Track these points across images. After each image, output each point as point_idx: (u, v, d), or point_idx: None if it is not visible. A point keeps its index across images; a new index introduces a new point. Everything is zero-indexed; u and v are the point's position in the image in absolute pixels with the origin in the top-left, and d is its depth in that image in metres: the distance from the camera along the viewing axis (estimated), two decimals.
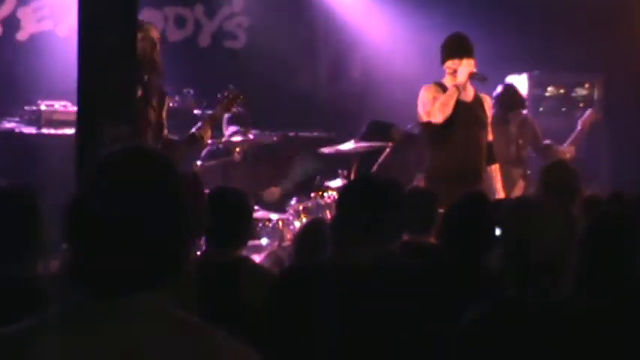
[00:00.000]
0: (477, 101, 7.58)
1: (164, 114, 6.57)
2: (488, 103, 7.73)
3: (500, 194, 7.52)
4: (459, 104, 7.38)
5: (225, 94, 7.00)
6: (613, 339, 3.46)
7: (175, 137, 6.71)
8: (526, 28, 10.40)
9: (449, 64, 7.47)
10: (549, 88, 10.23)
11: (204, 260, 4.33)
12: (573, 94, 10.29)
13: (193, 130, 6.72)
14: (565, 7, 10.32)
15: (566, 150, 8.86)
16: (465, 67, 7.40)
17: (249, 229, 4.80)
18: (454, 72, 7.42)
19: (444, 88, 7.43)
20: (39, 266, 3.82)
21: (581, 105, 10.18)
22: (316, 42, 10.91)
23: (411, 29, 10.35)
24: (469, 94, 7.53)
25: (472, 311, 3.48)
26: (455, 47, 7.49)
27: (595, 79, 10.32)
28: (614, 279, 3.58)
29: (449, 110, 7.32)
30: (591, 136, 9.99)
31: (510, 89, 8.94)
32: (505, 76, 9.72)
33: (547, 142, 9.00)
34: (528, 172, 8.84)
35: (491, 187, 7.53)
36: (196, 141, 6.73)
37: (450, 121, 7.32)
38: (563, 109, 10.03)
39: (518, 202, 3.65)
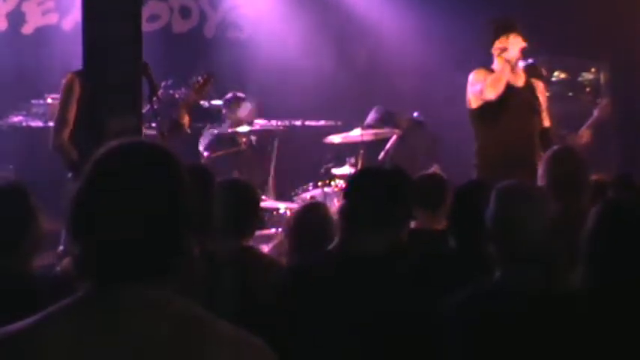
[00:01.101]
0: (529, 86, 7.41)
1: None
2: (541, 88, 7.54)
3: None
4: (510, 88, 7.22)
5: (197, 79, 6.95)
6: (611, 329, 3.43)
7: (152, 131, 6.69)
8: (531, 13, 10.36)
9: (497, 44, 7.26)
10: (555, 73, 10.20)
11: (212, 250, 4.33)
12: (580, 79, 10.26)
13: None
14: None
15: (582, 135, 8.78)
16: (515, 42, 7.24)
17: (255, 219, 4.79)
18: (504, 50, 7.22)
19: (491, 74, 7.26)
20: (32, 261, 3.82)
21: (587, 90, 10.16)
22: (321, 31, 10.88)
23: (418, 17, 10.31)
24: (520, 79, 7.37)
25: (454, 296, 3.50)
26: (501, 25, 7.32)
27: (601, 64, 10.29)
28: (624, 267, 3.58)
29: (501, 87, 7.15)
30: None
31: (530, 66, 8.78)
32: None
33: (564, 131, 8.93)
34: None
35: None
36: (178, 127, 6.71)
37: (499, 106, 7.17)
38: (570, 94, 9.99)
39: (503, 188, 3.61)
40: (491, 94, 7.17)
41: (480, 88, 7.20)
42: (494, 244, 3.52)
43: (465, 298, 3.51)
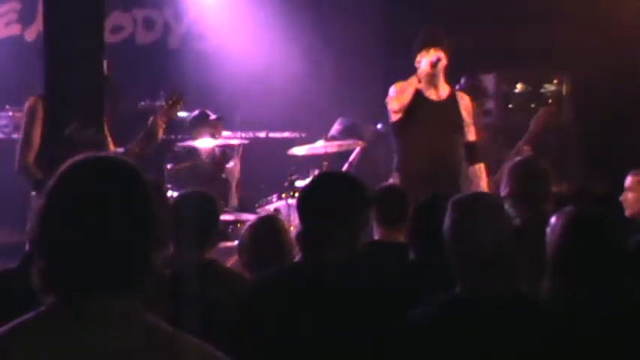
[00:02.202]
0: (451, 101, 7.37)
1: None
2: (466, 102, 7.49)
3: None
4: (426, 103, 7.22)
5: (167, 100, 6.97)
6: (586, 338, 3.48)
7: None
8: (494, 25, 10.41)
9: (418, 58, 7.27)
10: (518, 85, 10.25)
11: (172, 264, 4.31)
12: (542, 90, 10.31)
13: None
14: (533, 2, 10.35)
15: (521, 150, 8.77)
16: (427, 56, 7.22)
17: (215, 231, 4.76)
18: (421, 66, 7.23)
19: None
20: None
21: (549, 101, 10.21)
22: (287, 42, 10.88)
23: (384, 28, 10.35)
24: (441, 93, 7.35)
25: (418, 309, 3.51)
26: (421, 39, 7.30)
27: (563, 75, 10.34)
28: (584, 277, 3.62)
29: (405, 98, 7.16)
30: (559, 132, 10.03)
31: (471, 80, 8.81)
32: (473, 75, 9.73)
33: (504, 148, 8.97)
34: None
35: (477, 186, 7.32)
36: (152, 136, 6.70)
37: (413, 121, 7.17)
38: (533, 105, 10.03)
39: (458, 199, 3.62)
40: (395, 106, 7.22)
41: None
42: (452, 256, 3.52)
43: (430, 310, 3.52)
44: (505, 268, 3.46)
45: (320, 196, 3.83)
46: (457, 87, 8.39)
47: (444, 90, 7.36)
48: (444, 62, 7.24)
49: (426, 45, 7.23)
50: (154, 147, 6.85)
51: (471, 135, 7.46)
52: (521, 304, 3.48)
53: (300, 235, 3.83)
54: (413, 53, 7.30)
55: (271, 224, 5.19)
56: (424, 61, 7.20)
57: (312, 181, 4.07)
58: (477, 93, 8.60)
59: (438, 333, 3.45)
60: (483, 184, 7.38)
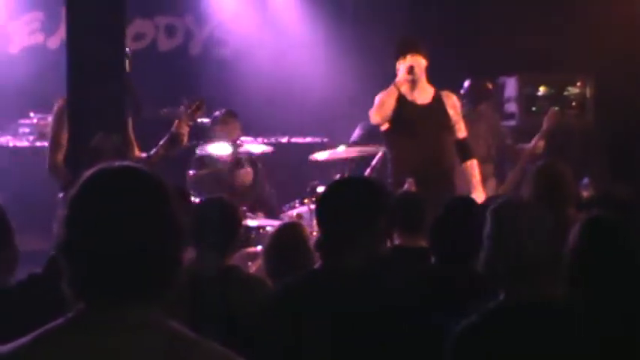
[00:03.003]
0: (436, 102, 7.46)
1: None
2: (452, 100, 7.58)
3: (478, 190, 7.41)
4: (411, 108, 7.33)
5: (189, 105, 6.99)
6: (610, 339, 3.47)
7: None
8: (516, 27, 10.38)
9: (397, 65, 7.41)
10: (541, 88, 10.21)
11: (193, 270, 4.32)
12: (565, 93, 10.26)
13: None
14: (555, 4, 10.30)
15: (537, 146, 8.83)
16: (404, 63, 7.36)
17: (236, 238, 4.76)
18: (402, 72, 7.36)
19: (398, 93, 7.37)
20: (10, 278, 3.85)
21: (573, 104, 10.16)
22: (309, 48, 10.87)
23: (403, 34, 10.32)
24: (425, 96, 7.44)
25: (465, 321, 3.45)
26: (399, 46, 7.44)
27: (587, 78, 10.29)
28: (606, 281, 3.61)
29: (385, 110, 7.27)
30: (582, 135, 10.00)
31: (474, 82, 8.91)
32: (496, 78, 9.71)
33: (508, 142, 9.01)
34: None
35: (468, 183, 7.47)
36: (177, 140, 6.72)
37: (401, 127, 7.28)
38: (556, 109, 9.99)
39: (502, 203, 3.59)
40: (376, 119, 7.34)
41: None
42: (494, 264, 3.47)
43: (477, 320, 3.45)
44: (547, 274, 3.44)
45: (338, 201, 3.79)
46: (461, 91, 8.62)
47: (427, 93, 7.46)
48: (421, 66, 7.37)
49: (402, 52, 7.38)
50: (178, 151, 6.88)
51: (461, 132, 7.55)
52: (563, 308, 3.47)
53: (319, 240, 3.81)
54: (395, 60, 7.44)
55: (294, 232, 5.20)
56: (401, 67, 7.34)
57: (330, 187, 4.01)
58: (479, 95, 8.68)
59: (488, 342, 3.40)
60: (475, 181, 7.48)
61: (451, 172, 7.42)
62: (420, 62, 7.37)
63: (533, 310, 3.40)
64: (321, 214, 3.85)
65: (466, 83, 8.85)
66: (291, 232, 5.20)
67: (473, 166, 7.57)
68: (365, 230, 3.72)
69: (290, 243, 5.05)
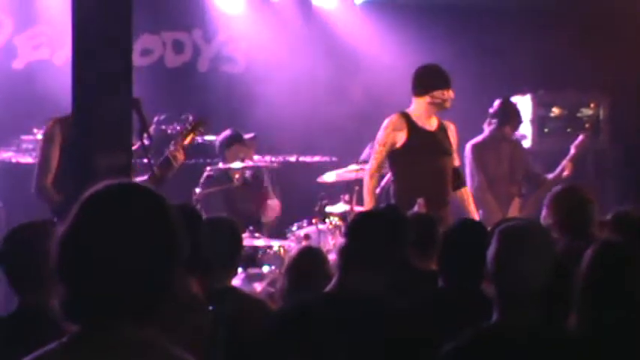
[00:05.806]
0: (441, 130, 7.73)
1: None
2: (452, 130, 7.85)
3: (474, 216, 7.66)
4: (423, 133, 7.59)
5: (188, 121, 6.96)
6: None
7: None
8: (529, 47, 10.33)
9: (437, 94, 7.58)
10: (554, 109, 10.16)
11: (195, 291, 4.27)
12: (579, 114, 10.22)
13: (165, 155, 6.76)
14: (569, 25, 10.26)
15: (557, 174, 8.79)
16: (448, 94, 7.61)
17: (237, 257, 4.76)
18: (443, 102, 7.59)
19: (408, 119, 7.60)
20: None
21: (586, 125, 10.09)
22: (317, 66, 10.81)
23: (413, 53, 10.25)
24: (432, 123, 7.70)
25: (455, 341, 3.45)
26: (442, 76, 7.65)
27: (600, 99, 10.23)
28: (614, 309, 3.53)
29: (366, 205, 7.57)
30: (596, 157, 9.92)
31: (508, 103, 8.95)
32: (509, 97, 9.64)
33: (536, 170, 8.97)
34: (523, 191, 8.86)
35: (465, 209, 7.76)
36: (170, 164, 6.68)
37: (413, 150, 7.53)
38: (569, 130, 9.92)
39: (502, 227, 3.56)
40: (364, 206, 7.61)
41: (371, 163, 7.71)
42: (494, 285, 3.46)
43: (468, 340, 3.45)
44: (545, 301, 3.41)
45: (367, 227, 3.94)
46: (491, 110, 8.84)
47: (433, 120, 7.74)
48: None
49: (447, 84, 7.62)
50: (173, 172, 6.84)
51: (456, 161, 7.91)
52: (557, 335, 3.44)
53: (344, 251, 3.87)
54: (428, 87, 7.63)
55: (314, 257, 5.23)
56: (448, 99, 7.59)
57: (360, 214, 4.41)
58: (508, 116, 8.70)
59: None
60: (471, 208, 7.79)
61: (449, 196, 7.70)
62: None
63: (519, 336, 3.37)
64: (349, 240, 3.96)
65: (496, 103, 8.86)
66: (311, 257, 5.23)
67: (467, 192, 7.95)
68: (389, 258, 3.87)
69: (310, 269, 5.06)
